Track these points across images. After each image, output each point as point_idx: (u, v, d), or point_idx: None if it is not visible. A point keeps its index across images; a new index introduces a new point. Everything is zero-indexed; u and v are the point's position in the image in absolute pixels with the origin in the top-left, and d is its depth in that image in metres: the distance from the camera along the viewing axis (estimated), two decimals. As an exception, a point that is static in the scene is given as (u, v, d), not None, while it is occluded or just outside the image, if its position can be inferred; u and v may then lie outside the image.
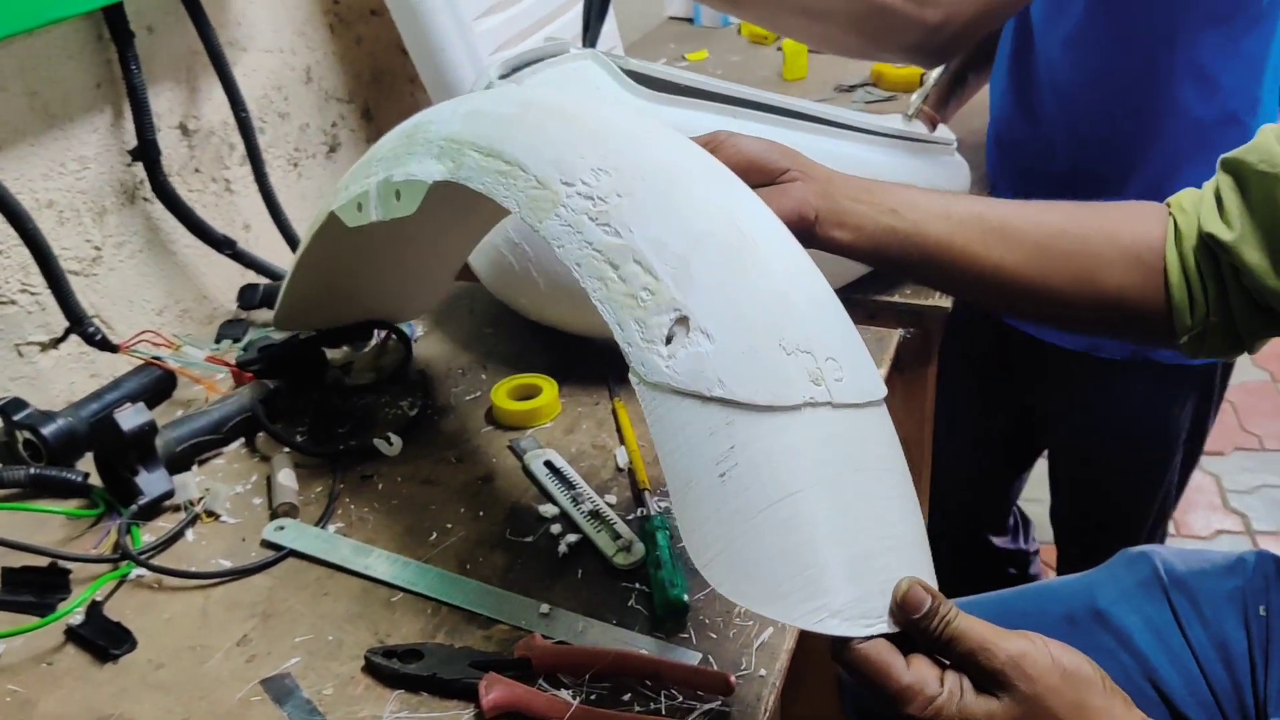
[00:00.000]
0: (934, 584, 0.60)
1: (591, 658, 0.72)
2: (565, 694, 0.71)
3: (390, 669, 0.73)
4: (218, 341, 1.14)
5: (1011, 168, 1.36)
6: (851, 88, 1.73)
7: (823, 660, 1.01)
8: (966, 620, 0.56)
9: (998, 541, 1.78)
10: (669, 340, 0.63)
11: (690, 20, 2.16)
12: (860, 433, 0.64)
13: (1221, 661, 0.81)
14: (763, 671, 0.72)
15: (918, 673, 0.55)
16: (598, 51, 1.02)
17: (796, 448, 0.61)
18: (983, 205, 0.79)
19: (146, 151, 1.09)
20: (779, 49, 1.94)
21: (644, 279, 0.64)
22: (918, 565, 0.62)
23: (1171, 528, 2.12)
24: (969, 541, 1.78)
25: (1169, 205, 0.77)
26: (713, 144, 0.77)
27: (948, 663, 0.57)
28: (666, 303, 0.63)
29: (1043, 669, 0.54)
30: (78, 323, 1.01)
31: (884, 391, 0.67)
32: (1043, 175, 1.29)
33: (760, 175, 0.78)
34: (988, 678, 0.55)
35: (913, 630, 0.57)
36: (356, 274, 0.99)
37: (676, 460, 0.62)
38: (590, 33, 1.16)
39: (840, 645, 0.57)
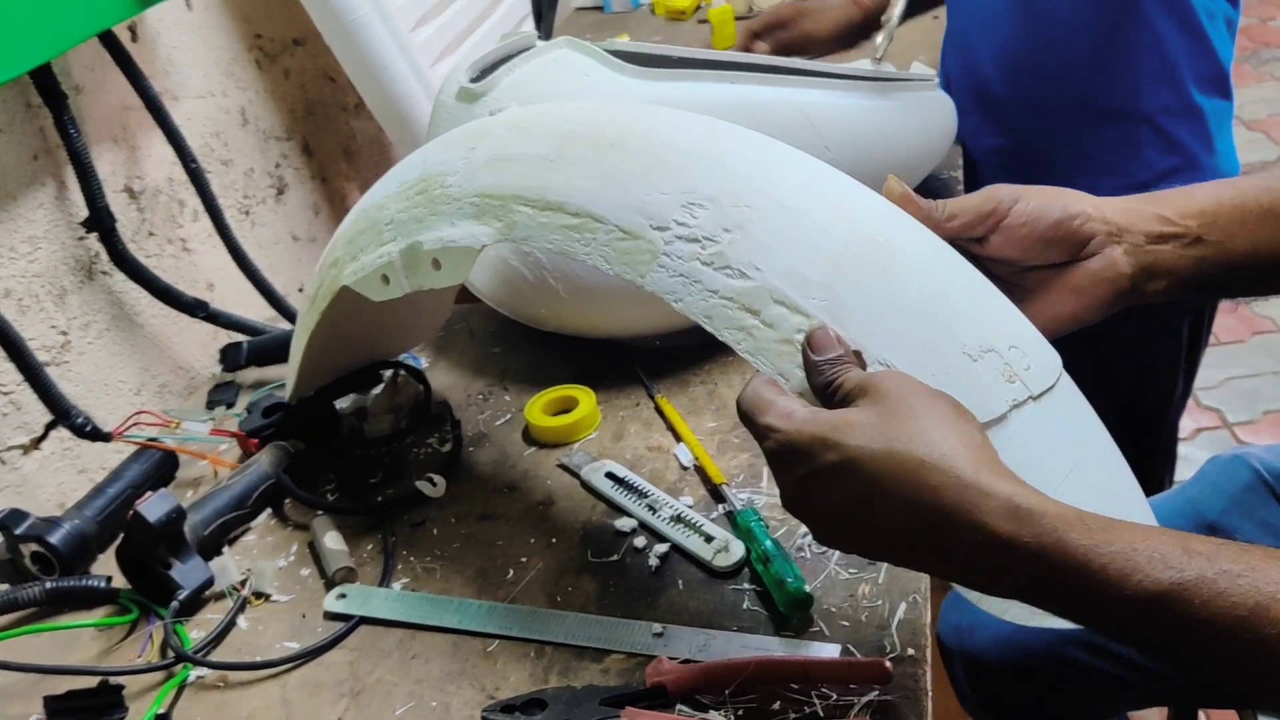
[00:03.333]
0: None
1: (730, 671, 0.67)
2: (716, 716, 0.66)
3: (515, 726, 0.67)
4: (209, 409, 1.06)
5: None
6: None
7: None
8: (863, 372, 0.56)
9: None
10: None
11: (600, 8, 2.11)
12: (1067, 414, 0.61)
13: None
14: (910, 651, 0.68)
15: (791, 397, 0.57)
16: (571, 38, 0.96)
17: (1029, 449, 0.57)
18: (1262, 187, 0.67)
19: (100, 220, 1.00)
20: (701, 21, 1.90)
21: (794, 320, 0.58)
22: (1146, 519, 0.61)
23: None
24: None
25: None
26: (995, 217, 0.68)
27: None
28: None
29: (917, 384, 0.54)
30: (64, 415, 0.92)
31: (1060, 360, 0.64)
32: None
33: (1061, 249, 0.67)
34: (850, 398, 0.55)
35: (810, 371, 0.57)
36: (359, 327, 0.91)
37: None
38: (545, 23, 1.11)
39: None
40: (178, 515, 0.80)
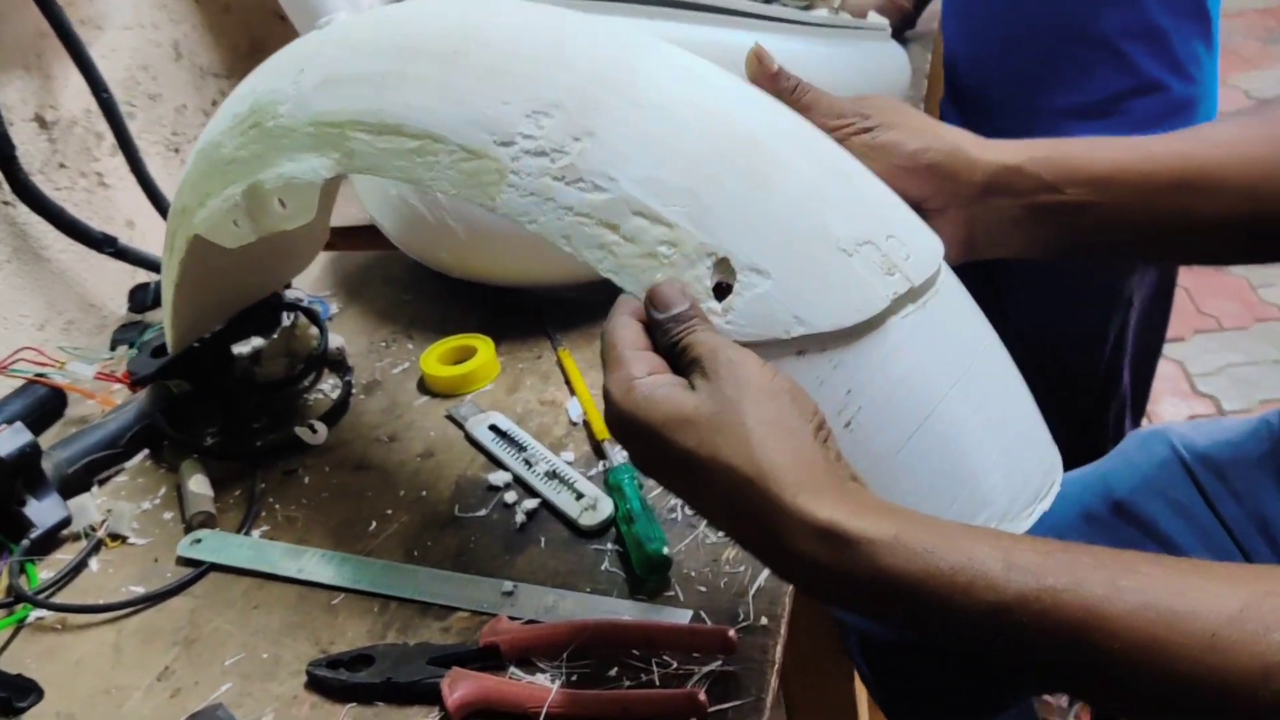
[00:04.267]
0: (1059, 462, 0.58)
1: (567, 634, 0.62)
2: (543, 679, 0.61)
3: (337, 681, 0.63)
4: (113, 349, 1.02)
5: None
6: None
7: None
8: (710, 333, 0.52)
9: None
10: (717, 292, 0.53)
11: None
12: (953, 305, 0.57)
13: (1262, 535, 0.73)
14: (764, 620, 0.63)
15: (640, 356, 0.51)
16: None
17: (912, 357, 0.54)
18: (1176, 152, 0.61)
19: (0, 148, 0.96)
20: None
21: (655, 231, 0.53)
22: (1042, 435, 0.58)
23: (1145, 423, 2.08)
24: None
25: None
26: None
27: None
28: (695, 250, 0.53)
29: (756, 376, 0.49)
30: (-61, 347, 0.89)
31: (942, 244, 0.59)
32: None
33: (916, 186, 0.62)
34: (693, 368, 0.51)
35: (655, 330, 0.53)
36: (230, 268, 0.85)
37: None
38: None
39: None
40: (32, 450, 0.77)
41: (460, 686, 0.60)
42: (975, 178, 0.60)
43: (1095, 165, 0.60)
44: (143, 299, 1.05)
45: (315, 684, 0.64)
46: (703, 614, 0.64)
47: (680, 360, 0.52)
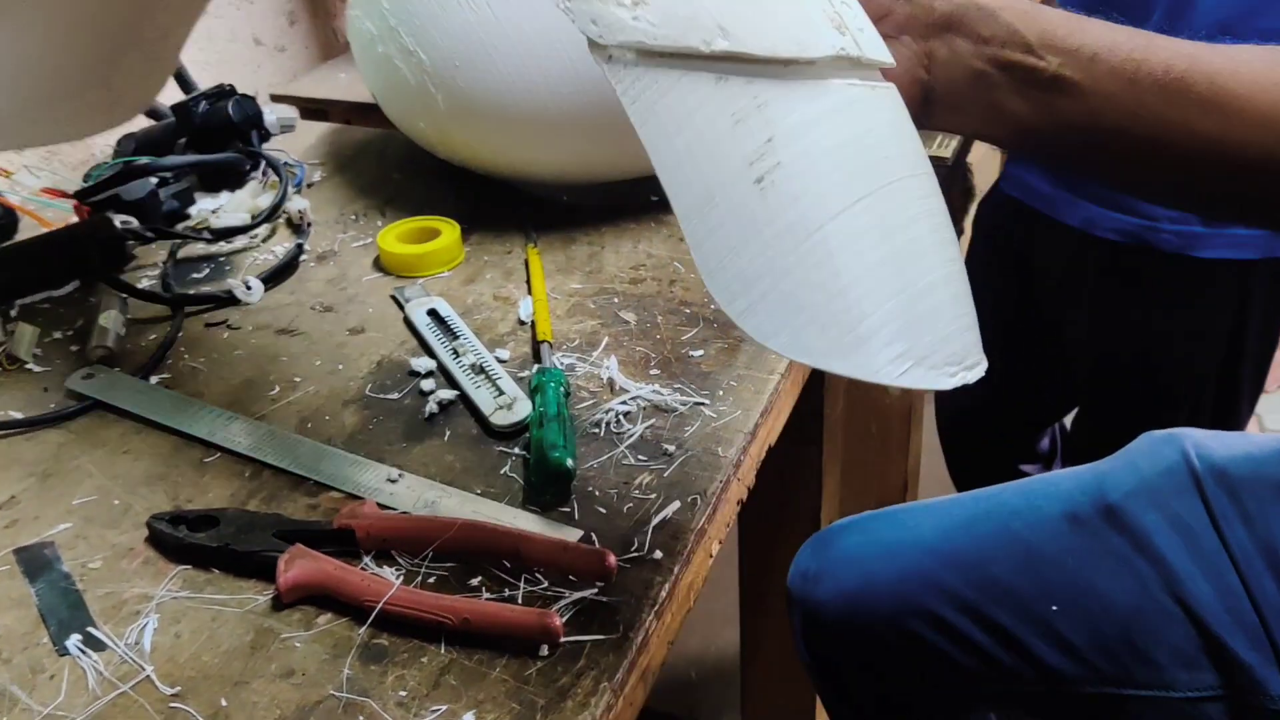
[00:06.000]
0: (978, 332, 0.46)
1: (430, 529, 0.55)
2: (389, 573, 0.54)
3: (174, 538, 0.56)
4: (85, 182, 0.97)
5: None
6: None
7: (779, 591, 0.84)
8: None
9: (1030, 470, 1.55)
10: None
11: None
12: (895, 111, 0.47)
13: (1271, 569, 0.63)
14: (658, 554, 0.55)
15: None
16: None
17: (849, 132, 0.44)
18: (1185, 54, 0.50)
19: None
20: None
21: None
22: (967, 302, 0.46)
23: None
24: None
25: None
26: None
27: None
28: None
29: None
30: (-117, 139, 0.83)
31: (891, 58, 0.49)
32: None
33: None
34: None
35: None
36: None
37: (686, 164, 0.43)
38: None
39: None
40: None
41: (296, 566, 0.53)
42: (937, 5, 0.51)
43: (1084, 36, 0.50)
44: (125, 147, 0.99)
45: (154, 538, 0.57)
46: (593, 537, 0.56)
47: None
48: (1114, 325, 1.21)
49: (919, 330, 0.41)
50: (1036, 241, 1.24)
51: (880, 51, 0.48)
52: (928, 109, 0.52)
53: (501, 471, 0.61)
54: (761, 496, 0.71)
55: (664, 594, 0.53)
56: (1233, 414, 1.22)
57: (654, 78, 0.42)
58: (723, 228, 0.42)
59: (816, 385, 0.92)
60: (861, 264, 0.41)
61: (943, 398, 1.51)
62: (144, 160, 0.90)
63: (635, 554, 0.55)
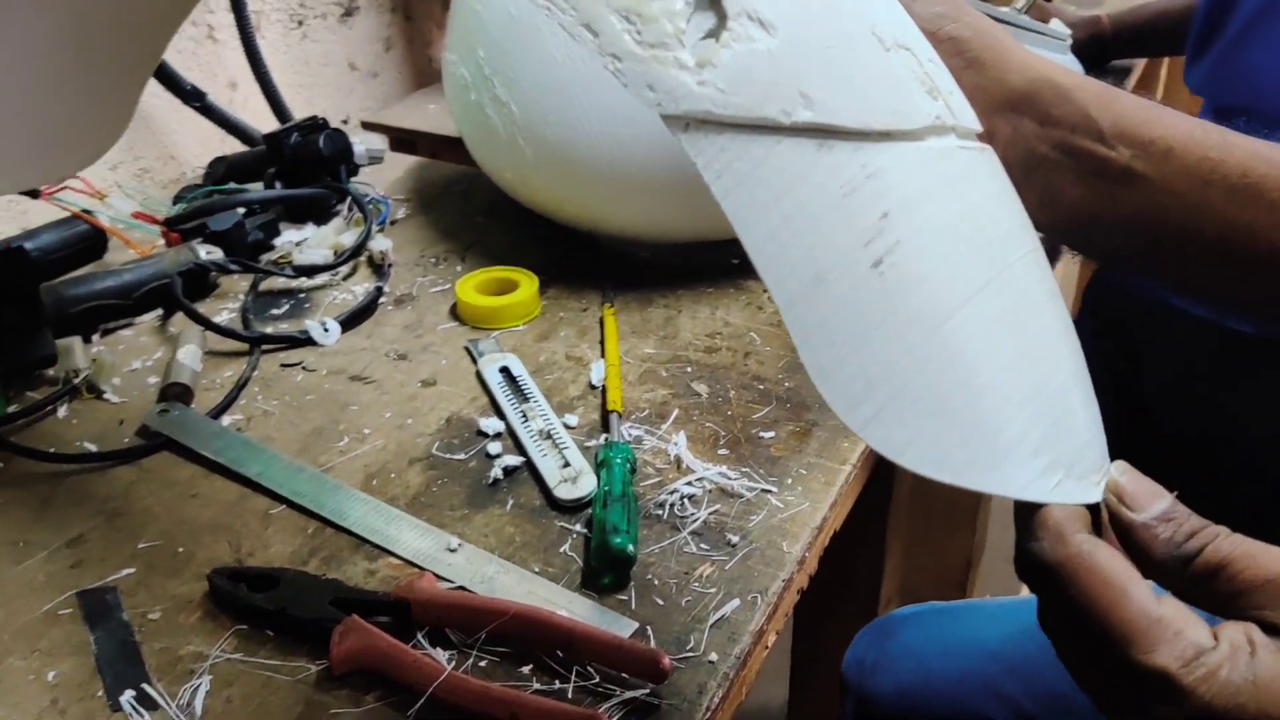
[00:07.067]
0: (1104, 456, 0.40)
1: (486, 612, 0.54)
2: (440, 654, 0.54)
3: (233, 595, 0.56)
4: (174, 204, 0.98)
5: None
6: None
7: (831, 658, 0.82)
8: (1245, 541, 0.35)
9: None
10: (692, 36, 0.37)
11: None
12: (1002, 179, 0.42)
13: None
14: (713, 656, 0.54)
15: (1171, 606, 0.34)
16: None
17: (969, 200, 0.39)
18: (1250, 156, 0.47)
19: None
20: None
21: None
22: (1094, 400, 0.41)
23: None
24: None
25: None
26: None
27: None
28: None
29: None
30: (-13, 157, 0.85)
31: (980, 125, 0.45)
32: None
33: None
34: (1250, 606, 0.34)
35: (1139, 539, 0.35)
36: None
37: (789, 245, 0.36)
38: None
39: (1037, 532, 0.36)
40: None
41: (350, 638, 0.53)
42: (1008, 79, 0.48)
43: (1160, 128, 0.47)
44: (215, 171, 1.01)
45: (214, 593, 0.58)
46: (649, 630, 0.55)
47: (1204, 586, 0.35)
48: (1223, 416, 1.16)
49: (1061, 437, 0.38)
50: (1151, 326, 1.19)
51: (971, 117, 0.43)
52: None
53: (561, 549, 0.61)
54: (819, 571, 0.70)
55: (717, 699, 0.52)
56: None
57: (744, 148, 0.36)
58: (837, 318, 0.36)
59: (888, 467, 0.90)
60: (995, 360, 0.37)
61: None
62: (234, 190, 0.91)
63: (690, 653, 0.54)
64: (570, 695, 0.52)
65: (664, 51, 0.36)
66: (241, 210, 0.89)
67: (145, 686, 0.52)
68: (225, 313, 0.84)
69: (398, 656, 0.52)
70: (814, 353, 0.36)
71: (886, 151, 0.37)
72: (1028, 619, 0.72)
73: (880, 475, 0.91)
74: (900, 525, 0.97)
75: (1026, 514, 0.36)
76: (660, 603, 0.57)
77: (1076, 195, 0.48)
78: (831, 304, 0.36)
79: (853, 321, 0.36)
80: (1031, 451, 0.36)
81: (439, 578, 0.58)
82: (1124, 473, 0.37)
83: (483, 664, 0.54)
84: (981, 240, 0.38)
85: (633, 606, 0.57)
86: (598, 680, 0.52)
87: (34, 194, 0.88)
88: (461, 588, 0.58)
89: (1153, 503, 0.36)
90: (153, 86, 1.01)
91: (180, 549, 0.61)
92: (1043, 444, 0.37)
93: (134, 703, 0.52)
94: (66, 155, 0.64)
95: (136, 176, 1.03)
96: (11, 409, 0.72)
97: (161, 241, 0.90)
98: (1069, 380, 0.39)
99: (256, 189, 0.95)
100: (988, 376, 0.36)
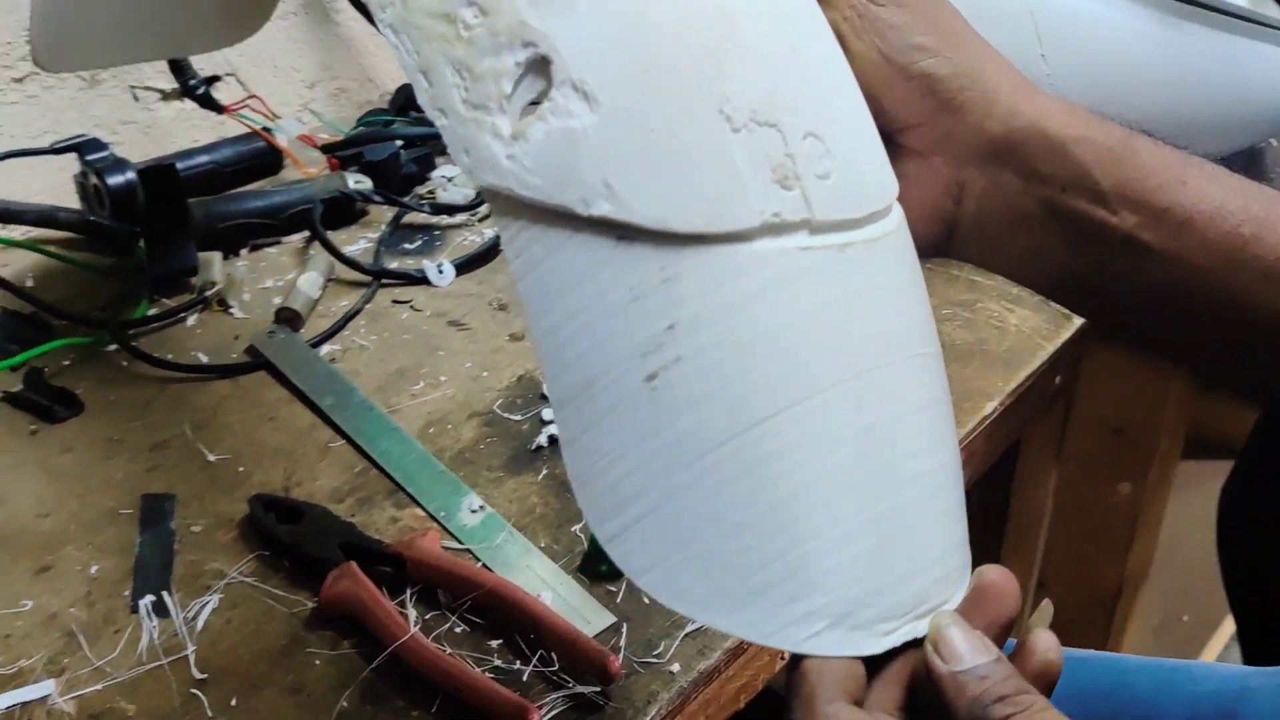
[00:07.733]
0: (966, 553, 0.38)
1: (468, 581, 0.56)
2: (420, 615, 0.56)
3: (262, 523, 0.61)
4: (358, 125, 1.04)
5: None
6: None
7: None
8: (1037, 708, 0.32)
9: None
10: (516, 103, 0.34)
11: None
12: (886, 276, 0.38)
13: None
14: (675, 667, 0.53)
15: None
16: None
17: (788, 315, 0.35)
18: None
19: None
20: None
21: None
22: (952, 522, 0.38)
23: None
24: None
25: None
26: None
27: None
28: (510, 30, 0.34)
29: None
30: (179, 72, 0.93)
31: (895, 192, 0.40)
32: None
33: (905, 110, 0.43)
34: None
35: (949, 695, 0.33)
36: None
37: (566, 344, 0.35)
38: None
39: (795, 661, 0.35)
40: (127, 189, 0.79)
41: (341, 584, 0.56)
42: (988, 125, 0.41)
43: (1180, 193, 0.40)
44: (399, 100, 1.05)
45: (250, 517, 0.62)
46: (624, 627, 0.55)
47: None
48: None
49: (874, 570, 0.35)
50: None
51: (855, 201, 0.37)
52: (946, 237, 0.44)
53: (574, 529, 0.61)
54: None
55: (665, 711, 0.52)
56: None
57: (541, 232, 0.34)
58: (600, 427, 0.34)
59: (1005, 476, 0.85)
60: (796, 482, 0.34)
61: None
62: (391, 121, 0.95)
63: (654, 659, 0.54)
64: (525, 679, 0.53)
65: (484, 115, 0.34)
66: (399, 142, 0.93)
67: (164, 594, 0.58)
68: (363, 241, 0.88)
69: (373, 609, 0.55)
70: (575, 456, 0.35)
71: (693, 256, 0.34)
72: (1086, 680, 0.67)
73: (995, 492, 0.86)
74: (1027, 552, 0.92)
75: (793, 666, 0.34)
76: (646, 601, 0.57)
77: (1065, 258, 0.42)
78: (597, 412, 0.34)
79: (616, 434, 0.34)
80: (788, 596, 0.34)
81: (451, 536, 0.60)
82: (951, 623, 0.34)
83: (458, 630, 0.55)
84: (828, 345, 0.35)
85: (619, 600, 0.57)
86: (557, 669, 0.53)
87: (218, 109, 0.95)
88: (468, 550, 0.60)
89: (973, 656, 0.32)
90: (352, 10, 1.06)
91: (241, 469, 0.66)
92: (818, 584, 0.34)
93: (149, 608, 0.57)
94: (217, 29, 0.74)
95: (333, 95, 1.10)
96: (152, 312, 0.79)
97: (322, 163, 0.96)
98: (923, 500, 0.36)
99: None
100: (763, 506, 0.34)
